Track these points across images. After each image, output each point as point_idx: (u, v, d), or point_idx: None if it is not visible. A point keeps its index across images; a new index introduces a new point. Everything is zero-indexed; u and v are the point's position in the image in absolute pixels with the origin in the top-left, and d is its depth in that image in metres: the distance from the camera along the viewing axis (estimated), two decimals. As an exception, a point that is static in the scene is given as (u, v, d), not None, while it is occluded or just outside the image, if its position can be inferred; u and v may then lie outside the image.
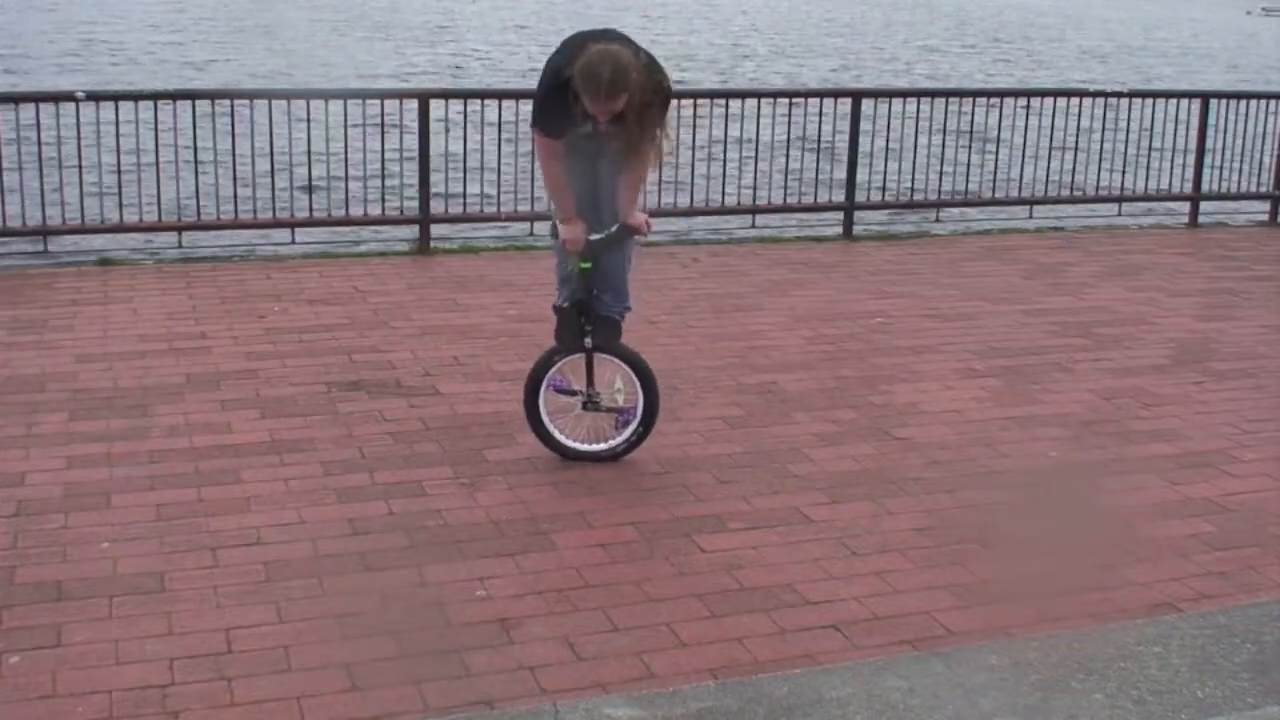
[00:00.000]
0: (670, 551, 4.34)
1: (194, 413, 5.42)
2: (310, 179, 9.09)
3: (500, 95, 8.83)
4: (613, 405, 5.10)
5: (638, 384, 5.04)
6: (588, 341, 4.99)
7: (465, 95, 8.99)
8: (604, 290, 4.98)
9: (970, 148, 10.30)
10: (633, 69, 4.54)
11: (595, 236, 4.88)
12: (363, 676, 3.53)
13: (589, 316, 4.96)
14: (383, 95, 8.96)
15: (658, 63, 4.75)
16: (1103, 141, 10.53)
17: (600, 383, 5.07)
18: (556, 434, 5.08)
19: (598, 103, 4.56)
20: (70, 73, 23.14)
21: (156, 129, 8.02)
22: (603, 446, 5.11)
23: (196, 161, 8.99)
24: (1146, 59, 40.03)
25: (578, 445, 5.10)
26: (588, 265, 4.89)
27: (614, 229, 4.90)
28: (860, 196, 9.90)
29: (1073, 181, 10.35)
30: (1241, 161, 10.81)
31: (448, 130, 9.50)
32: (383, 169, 8.79)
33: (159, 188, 8.43)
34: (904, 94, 10.52)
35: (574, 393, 5.08)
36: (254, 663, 3.57)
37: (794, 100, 9.79)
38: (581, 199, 4.94)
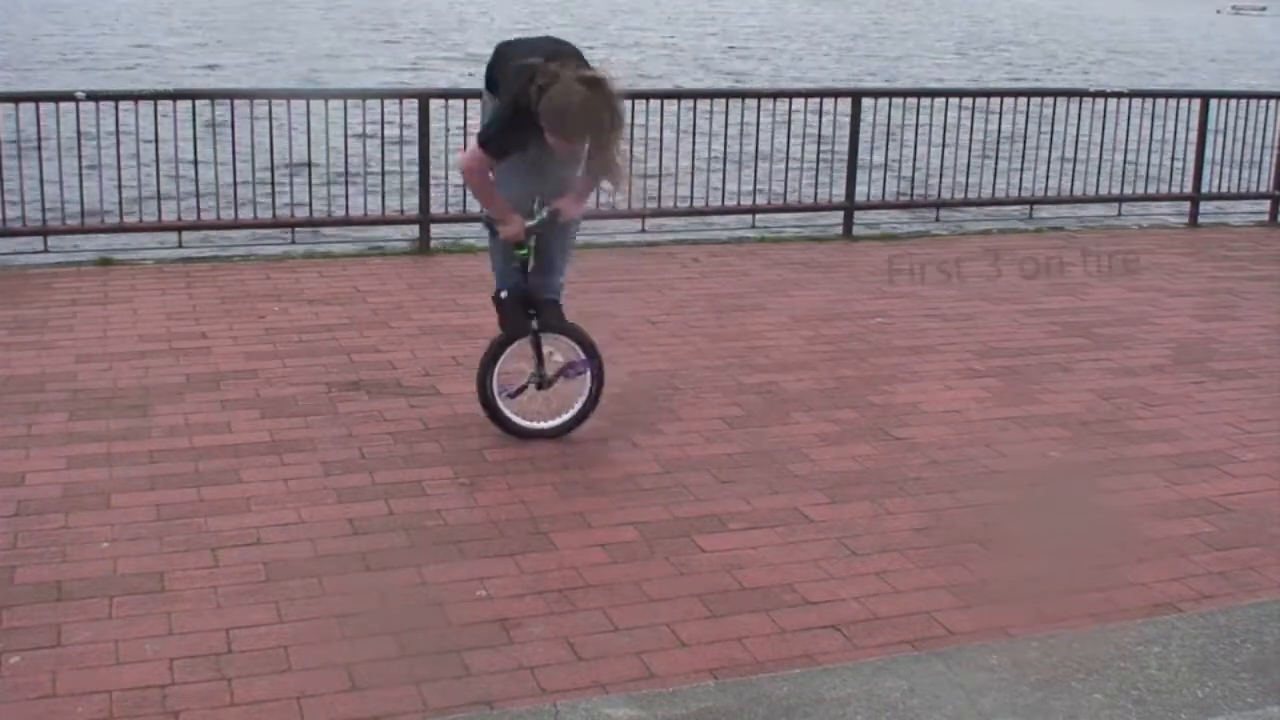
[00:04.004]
0: (670, 551, 4.34)
1: (194, 413, 5.42)
2: (310, 179, 9.09)
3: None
4: (557, 369, 5.27)
5: (579, 349, 5.25)
6: (534, 324, 5.17)
7: (465, 95, 8.98)
8: (541, 272, 5.15)
9: (970, 147, 10.29)
10: (601, 111, 4.65)
11: (530, 223, 5.02)
12: (363, 676, 3.53)
13: (531, 301, 5.14)
14: (383, 95, 8.95)
15: (611, 84, 4.80)
16: (1103, 141, 10.53)
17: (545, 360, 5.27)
18: (523, 423, 5.27)
19: (564, 142, 4.74)
20: (72, 72, 23.15)
21: (156, 129, 8.02)
22: (568, 416, 5.30)
23: (196, 161, 8.99)
24: (1137, 60, 40.03)
25: (545, 424, 5.29)
26: (524, 251, 5.07)
27: (543, 214, 5.03)
28: (860, 196, 9.90)
29: (1073, 181, 10.35)
30: (1241, 161, 10.81)
31: (448, 131, 9.49)
32: (383, 169, 8.79)
33: (159, 188, 8.42)
34: (904, 94, 10.52)
35: (524, 387, 5.26)
36: (254, 663, 3.57)
37: (794, 100, 9.79)
38: (525, 185, 5.03)
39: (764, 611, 3.96)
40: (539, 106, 4.67)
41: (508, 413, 5.24)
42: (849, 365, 6.40)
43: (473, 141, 4.97)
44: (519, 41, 5.15)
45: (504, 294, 5.16)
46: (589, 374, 5.29)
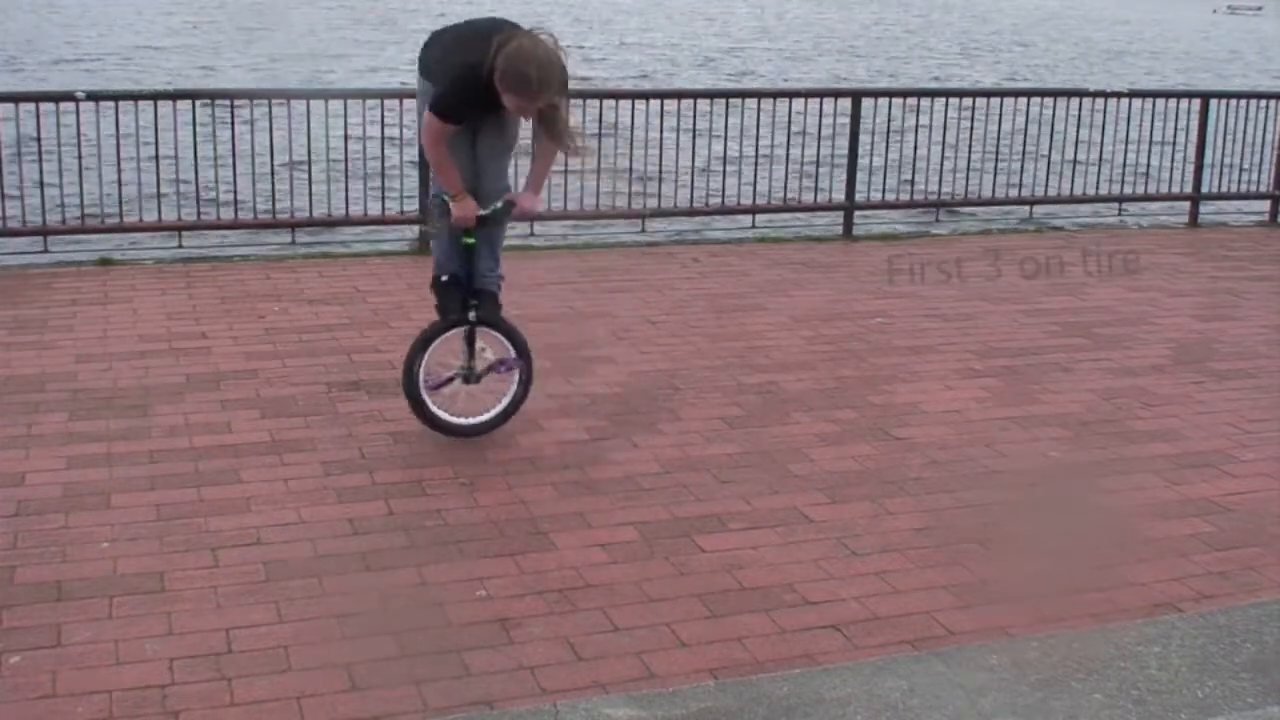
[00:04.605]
0: (670, 551, 4.34)
1: (194, 413, 5.42)
2: (310, 179, 9.09)
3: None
4: (487, 366, 5.23)
5: (512, 349, 5.23)
6: (472, 315, 5.15)
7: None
8: (481, 261, 5.16)
9: (970, 147, 10.30)
10: (557, 66, 4.71)
11: (483, 212, 5.04)
12: (363, 676, 3.53)
13: (470, 289, 5.14)
14: (383, 95, 8.95)
15: (559, 46, 4.90)
16: (1103, 141, 10.53)
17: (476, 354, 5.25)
18: (445, 416, 5.20)
19: (527, 102, 4.74)
20: (72, 72, 23.15)
21: (156, 129, 8.02)
22: (492, 414, 5.26)
23: (196, 161, 8.99)
24: (1132, 61, 40.03)
25: (466, 421, 5.24)
26: (472, 240, 5.08)
27: (500, 205, 5.07)
28: (860, 196, 9.90)
29: (1073, 181, 10.34)
30: (1241, 161, 10.81)
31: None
32: (383, 169, 8.79)
33: (159, 188, 8.42)
34: (904, 94, 10.53)
35: (449, 379, 5.22)
36: (254, 663, 3.57)
37: (794, 100, 9.79)
38: (462, 175, 5.06)
39: (764, 611, 3.96)
40: (499, 64, 4.67)
41: (430, 404, 5.15)
42: (849, 365, 6.40)
43: (427, 114, 4.92)
44: (459, 24, 5.16)
45: (445, 279, 5.16)
46: (518, 374, 5.27)
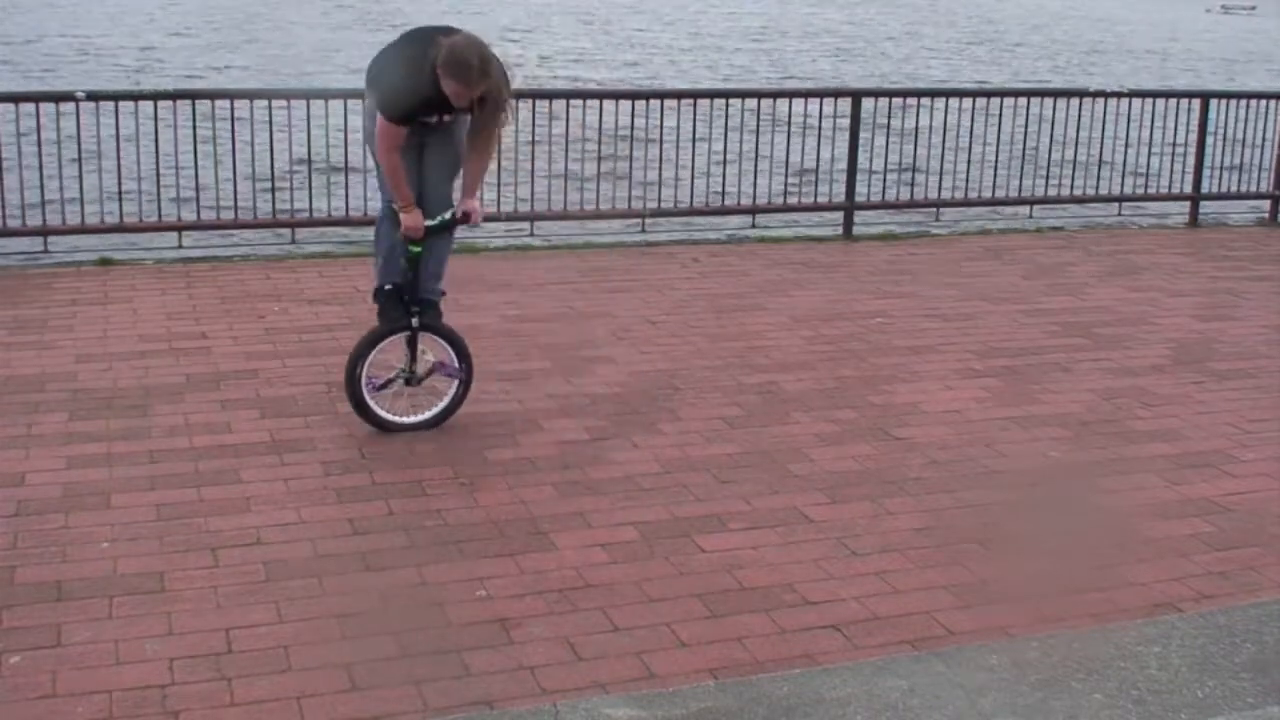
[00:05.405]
0: (670, 551, 4.34)
1: (194, 413, 5.42)
2: (310, 178, 9.10)
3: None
4: (428, 368, 5.33)
5: (452, 353, 5.31)
6: (415, 321, 5.24)
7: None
8: (426, 274, 5.25)
9: (970, 147, 10.30)
10: (496, 58, 4.84)
11: (430, 223, 5.12)
12: (363, 676, 3.53)
13: (412, 297, 5.22)
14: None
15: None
16: (1103, 141, 10.52)
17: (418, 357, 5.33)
18: (387, 416, 5.27)
19: (466, 88, 4.82)
20: (72, 72, 23.15)
21: (156, 129, 8.02)
22: (432, 413, 5.32)
23: (196, 162, 9.00)
24: (1132, 60, 40.04)
25: (407, 420, 5.30)
26: (418, 249, 5.15)
27: (448, 215, 5.16)
28: (860, 196, 9.90)
29: (1073, 181, 10.34)
30: (1241, 161, 10.80)
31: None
32: (382, 169, 8.77)
33: (159, 188, 8.42)
34: (904, 94, 10.52)
35: (391, 381, 5.31)
36: (254, 663, 3.57)
37: (794, 100, 9.79)
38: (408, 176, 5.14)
39: (764, 611, 3.96)
40: (442, 55, 4.76)
41: (373, 405, 5.24)
42: (849, 365, 6.40)
43: (379, 120, 4.96)
44: (425, 29, 5.21)
45: (388, 289, 5.24)
46: (458, 380, 5.34)
